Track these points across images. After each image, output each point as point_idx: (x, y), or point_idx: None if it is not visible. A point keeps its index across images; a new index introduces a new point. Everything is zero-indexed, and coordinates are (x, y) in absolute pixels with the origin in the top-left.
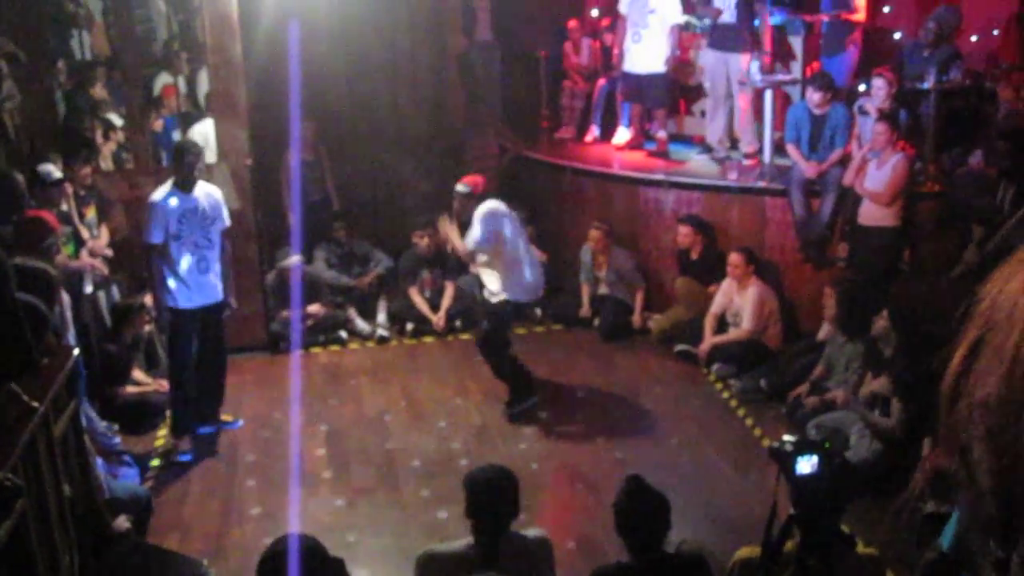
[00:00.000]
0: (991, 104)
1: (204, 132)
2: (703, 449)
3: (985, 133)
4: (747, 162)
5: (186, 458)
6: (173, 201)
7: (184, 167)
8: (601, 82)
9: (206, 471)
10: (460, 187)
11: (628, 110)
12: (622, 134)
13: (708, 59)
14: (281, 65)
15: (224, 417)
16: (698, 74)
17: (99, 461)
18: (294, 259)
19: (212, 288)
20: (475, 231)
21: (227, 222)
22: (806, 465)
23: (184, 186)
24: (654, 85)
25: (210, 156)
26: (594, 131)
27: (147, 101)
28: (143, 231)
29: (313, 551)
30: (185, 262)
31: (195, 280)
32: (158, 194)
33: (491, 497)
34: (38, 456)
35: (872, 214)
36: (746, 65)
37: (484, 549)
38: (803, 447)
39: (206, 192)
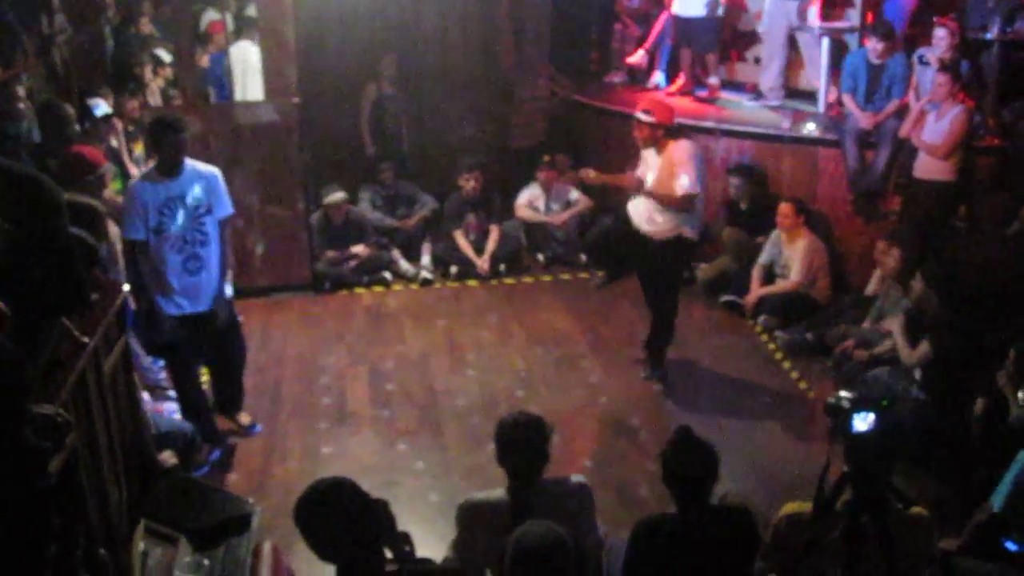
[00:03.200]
0: None
1: (243, 57)
2: (747, 400)
3: None
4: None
5: (203, 471)
6: (153, 187)
7: (166, 147)
8: (663, 18)
9: (249, 409)
10: (642, 115)
11: (667, 54)
12: (658, 77)
13: (768, 3)
14: (331, 3)
15: (242, 419)
16: (751, 19)
17: (145, 396)
18: (339, 195)
19: (206, 291)
20: (690, 173)
21: (228, 209)
22: (863, 423)
23: (167, 169)
24: (704, 29)
25: (254, 82)
26: (657, 77)
27: (194, 37)
28: (123, 224)
29: (351, 494)
30: (170, 261)
31: (183, 283)
32: (139, 181)
33: (518, 445)
34: (88, 391)
35: (928, 167)
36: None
37: (517, 497)
38: (860, 404)
39: (198, 174)
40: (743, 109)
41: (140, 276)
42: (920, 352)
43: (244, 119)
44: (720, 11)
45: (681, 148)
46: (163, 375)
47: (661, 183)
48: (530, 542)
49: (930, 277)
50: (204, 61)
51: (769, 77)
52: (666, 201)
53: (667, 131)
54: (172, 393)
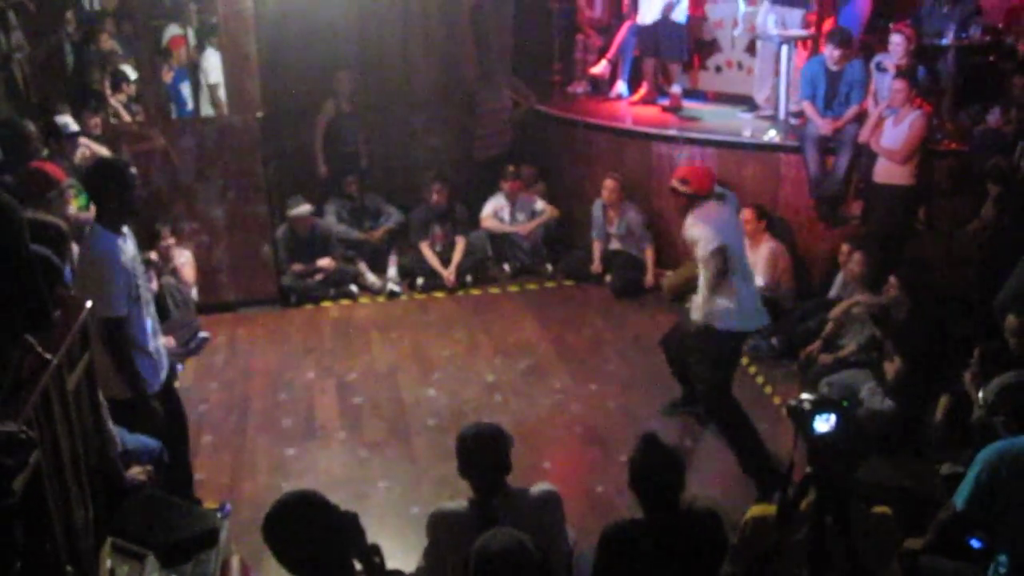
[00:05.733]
0: (1010, 61)
1: (216, 65)
2: None
3: (1004, 91)
4: (796, 121)
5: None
6: (126, 249)
7: (130, 200)
8: (624, 28)
9: (217, 424)
10: (677, 184)
11: (630, 64)
12: (620, 87)
13: (760, 16)
14: (292, 18)
15: (208, 505)
16: (712, 27)
17: None
18: (304, 208)
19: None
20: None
21: None
22: (824, 424)
23: (119, 226)
24: (669, 36)
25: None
26: (619, 87)
27: (156, 52)
28: (100, 302)
29: (319, 508)
30: (148, 328)
31: (158, 350)
32: (103, 241)
33: (478, 456)
34: (52, 409)
35: (888, 172)
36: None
37: (479, 507)
38: (821, 406)
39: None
40: (736, 120)
41: (131, 361)
42: (895, 366)
43: (208, 134)
44: (683, 18)
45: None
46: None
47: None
48: (492, 550)
49: (904, 278)
50: (167, 76)
51: (763, 90)
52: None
53: (697, 200)
54: None
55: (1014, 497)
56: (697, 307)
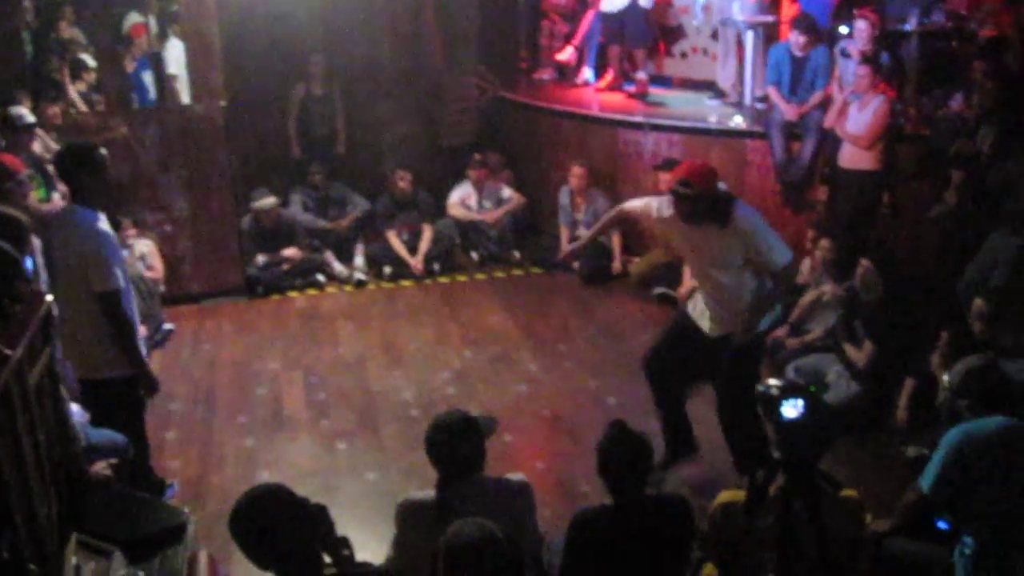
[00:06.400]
0: (972, 46)
1: (178, 56)
2: None
3: (966, 76)
4: (762, 106)
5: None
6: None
7: (104, 181)
8: (590, 15)
9: (184, 417)
10: (679, 187)
11: (595, 50)
12: (586, 74)
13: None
14: (255, 4)
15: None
16: (677, 14)
17: (75, 408)
18: (269, 201)
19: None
20: (769, 236)
21: None
22: (791, 409)
23: (97, 207)
24: (634, 23)
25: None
26: (585, 74)
27: (117, 40)
28: (99, 275)
29: (287, 500)
30: (135, 309)
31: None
32: (91, 218)
33: (448, 445)
34: (12, 405)
35: (852, 157)
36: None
37: (444, 496)
38: (788, 391)
39: None
40: (704, 107)
41: (135, 333)
42: (867, 350)
43: (171, 123)
44: (647, 3)
45: (749, 216)
46: None
47: (710, 261)
48: (461, 540)
49: (876, 261)
50: (129, 66)
51: (727, 75)
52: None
53: (714, 202)
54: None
55: (979, 479)
56: (740, 321)
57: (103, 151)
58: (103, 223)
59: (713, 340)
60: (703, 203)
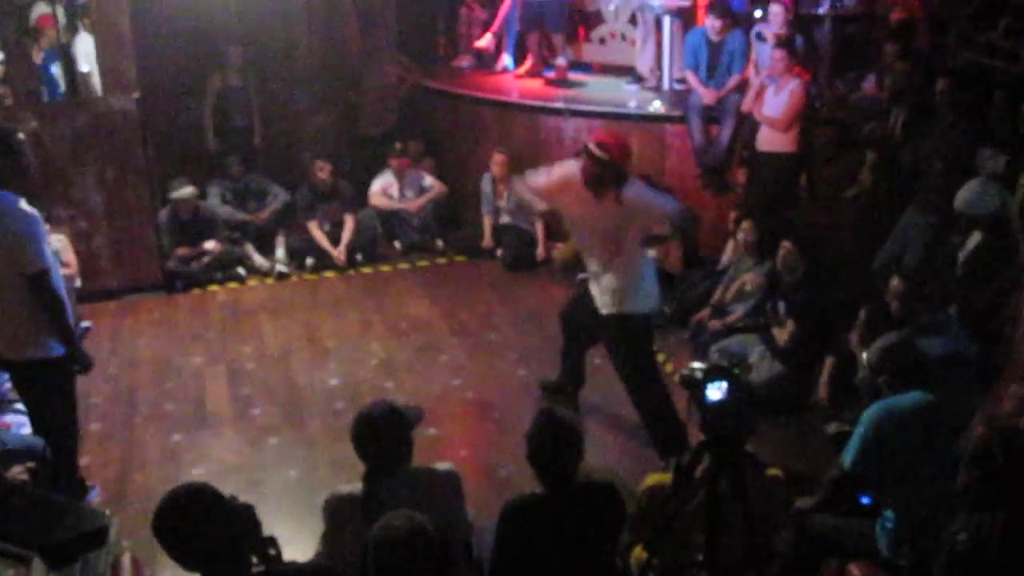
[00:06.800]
0: (883, 29)
1: (88, 51)
2: (608, 376)
3: (878, 58)
4: (681, 87)
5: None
6: None
7: (24, 165)
8: (507, 1)
9: (104, 416)
10: (595, 148)
11: (514, 37)
12: (505, 60)
13: None
14: None
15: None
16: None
17: None
18: (188, 190)
19: None
20: (659, 197)
21: None
22: (716, 392)
23: (20, 192)
24: (553, 10)
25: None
26: (504, 60)
27: (23, 32)
28: (27, 256)
29: (211, 500)
30: (64, 291)
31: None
32: (17, 202)
33: (374, 437)
34: None
35: (770, 140)
36: None
37: (371, 489)
38: (712, 374)
39: None
40: (622, 92)
41: (65, 311)
42: (789, 329)
43: (82, 117)
44: None
45: (640, 191)
46: (7, 387)
47: (610, 238)
48: (391, 533)
49: (798, 242)
50: (37, 58)
51: (646, 59)
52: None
53: (618, 176)
54: (19, 406)
55: (898, 454)
56: (617, 292)
57: (20, 135)
58: (25, 204)
59: (602, 316)
60: (611, 171)
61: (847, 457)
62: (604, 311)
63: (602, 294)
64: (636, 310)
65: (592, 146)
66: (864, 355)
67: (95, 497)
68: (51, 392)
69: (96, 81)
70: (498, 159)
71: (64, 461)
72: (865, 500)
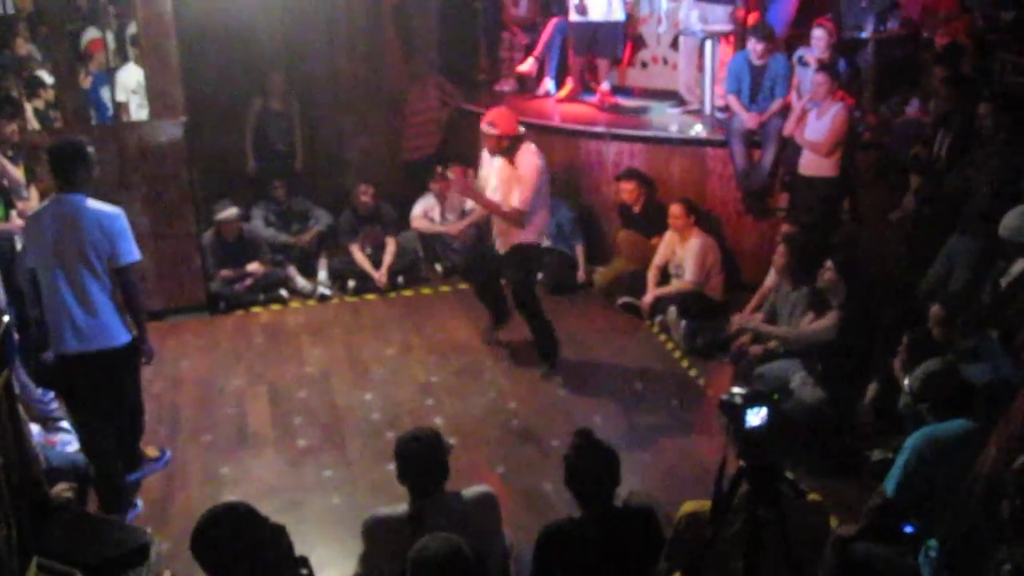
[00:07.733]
0: (928, 53)
1: (132, 80)
2: (649, 401)
3: (922, 82)
4: (723, 115)
5: (133, 514)
6: None
7: (93, 174)
8: (550, 26)
9: (148, 436)
10: (487, 127)
11: (556, 61)
12: (548, 85)
13: (682, 11)
14: (214, 19)
15: (149, 452)
16: (637, 24)
17: (35, 429)
18: (232, 211)
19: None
20: (525, 191)
21: None
22: (755, 417)
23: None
24: (609, 35)
25: (139, 105)
26: (547, 84)
27: (74, 56)
28: (126, 248)
29: (247, 519)
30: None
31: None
32: (98, 203)
33: (416, 462)
34: None
35: (812, 164)
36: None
37: (416, 512)
38: (752, 399)
39: None
40: (664, 115)
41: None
42: (823, 323)
43: (130, 140)
44: (622, 16)
45: (527, 164)
46: (54, 406)
47: (502, 195)
48: (428, 555)
49: (839, 263)
50: (86, 82)
51: (687, 84)
52: (498, 214)
53: (512, 141)
54: (64, 424)
55: (941, 481)
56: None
57: (91, 149)
58: (101, 203)
59: (501, 255)
60: (506, 140)
61: (889, 485)
62: (502, 250)
63: (500, 237)
64: (524, 240)
65: (485, 125)
66: (906, 382)
67: (137, 513)
68: (131, 372)
69: (132, 109)
70: None
71: (133, 442)
72: (908, 529)
